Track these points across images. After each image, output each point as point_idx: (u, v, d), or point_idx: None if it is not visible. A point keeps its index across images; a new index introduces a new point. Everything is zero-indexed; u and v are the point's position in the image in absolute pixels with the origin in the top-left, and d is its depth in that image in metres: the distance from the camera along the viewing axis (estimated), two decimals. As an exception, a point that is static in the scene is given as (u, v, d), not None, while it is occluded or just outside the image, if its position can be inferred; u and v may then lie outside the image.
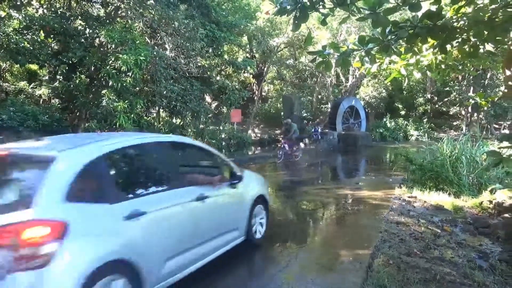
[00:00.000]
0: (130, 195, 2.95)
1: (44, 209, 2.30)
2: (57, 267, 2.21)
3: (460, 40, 3.75)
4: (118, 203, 2.77)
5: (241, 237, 4.39)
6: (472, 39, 3.70)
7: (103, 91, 11.63)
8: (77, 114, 13.77)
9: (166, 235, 3.10)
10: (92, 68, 12.21)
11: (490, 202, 6.96)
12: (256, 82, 27.49)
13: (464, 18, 3.59)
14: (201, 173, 4.06)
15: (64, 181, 2.45)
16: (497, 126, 29.00)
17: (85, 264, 2.31)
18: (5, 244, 2.14)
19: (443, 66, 4.99)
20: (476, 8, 3.59)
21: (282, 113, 27.20)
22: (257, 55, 26.34)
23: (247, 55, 26.60)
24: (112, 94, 11.50)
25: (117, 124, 11.54)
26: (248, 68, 19.55)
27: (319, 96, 31.41)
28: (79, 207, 2.51)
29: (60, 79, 13.79)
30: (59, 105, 14.09)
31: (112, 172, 3.05)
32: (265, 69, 27.37)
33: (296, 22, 3.00)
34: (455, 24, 3.57)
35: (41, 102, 14.75)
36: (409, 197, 7.75)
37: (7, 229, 2.18)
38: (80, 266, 2.29)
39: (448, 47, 4.04)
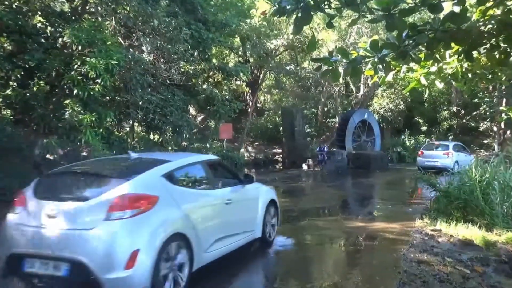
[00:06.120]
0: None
1: None
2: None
3: (488, 45, 3.85)
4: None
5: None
6: (502, 45, 3.81)
7: (66, 101, 11.62)
8: (34, 129, 13.71)
9: None
10: (54, 73, 12.24)
11: (529, 236, 6.99)
12: (250, 92, 27.70)
13: (493, 21, 3.71)
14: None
15: None
16: (535, 145, 29.33)
17: None
18: None
19: (469, 75, 5.11)
20: (506, 10, 3.71)
21: (281, 128, 27.34)
22: (251, 60, 26.64)
23: (240, 59, 26.90)
24: (77, 105, 11.49)
25: (82, 140, 11.50)
26: (241, 74, 19.71)
27: (325, 109, 31.71)
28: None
29: (14, 86, 13.78)
30: (11, 117, 14.02)
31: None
32: (261, 76, 27.65)
33: (298, 23, 3.08)
34: (482, 27, 3.68)
35: (-10, 114, 14.68)
36: (432, 230, 7.76)
37: None
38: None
39: (475, 53, 4.15)
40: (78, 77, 11.32)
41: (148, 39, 13.57)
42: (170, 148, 16.47)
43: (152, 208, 4.18)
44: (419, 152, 20.58)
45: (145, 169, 4.62)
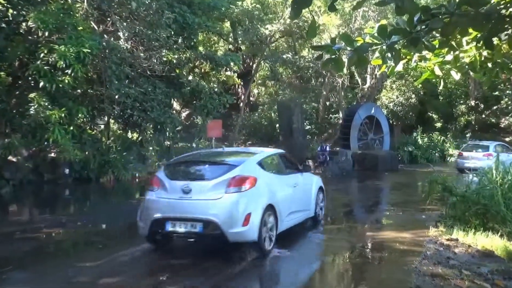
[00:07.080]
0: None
1: None
2: None
3: (510, 31, 3.86)
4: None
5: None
6: (526, 31, 3.81)
7: (31, 95, 11.55)
8: (-5, 126, 13.60)
9: None
10: (17, 63, 12.16)
11: (556, 246, 7.04)
12: (242, 84, 27.70)
13: (515, 4, 3.71)
14: None
15: None
16: (563, 144, 29.58)
17: None
18: None
19: (489, 65, 5.12)
20: (530, -9, 3.72)
21: (277, 125, 27.38)
22: (243, 47, 26.64)
23: (230, 47, 26.88)
24: (44, 99, 11.42)
25: (50, 140, 11.42)
26: (232, 64, 19.70)
27: (327, 103, 31.75)
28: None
29: (-29, 78, 13.67)
30: (-32, 114, 13.90)
31: None
32: (255, 65, 27.65)
33: (296, 6, 3.06)
34: (503, 11, 3.68)
35: None
36: (448, 239, 7.79)
37: None
38: None
39: (495, 40, 4.16)
40: (45, 67, 11.22)
41: (125, 24, 13.50)
42: (151, 148, 16.42)
43: (255, 186, 6.53)
44: (459, 153, 22.57)
45: (245, 158, 7.25)
